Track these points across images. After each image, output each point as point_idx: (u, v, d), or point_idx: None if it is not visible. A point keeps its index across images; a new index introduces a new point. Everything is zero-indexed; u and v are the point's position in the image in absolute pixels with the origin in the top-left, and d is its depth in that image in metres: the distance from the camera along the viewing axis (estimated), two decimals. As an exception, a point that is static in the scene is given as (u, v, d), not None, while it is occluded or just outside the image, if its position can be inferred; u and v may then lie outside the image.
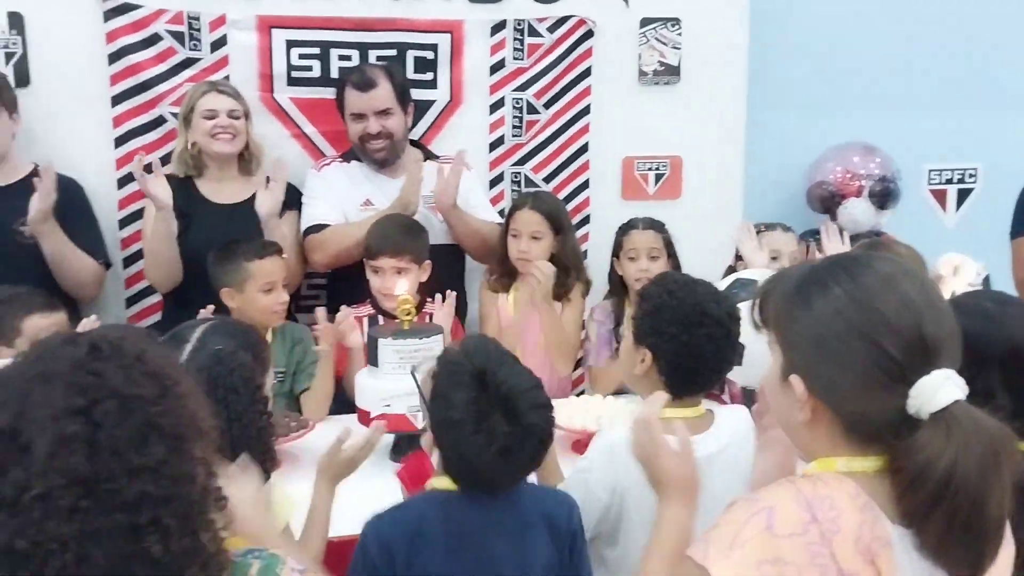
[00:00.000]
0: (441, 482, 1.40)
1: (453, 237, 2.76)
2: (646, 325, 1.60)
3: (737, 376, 1.76)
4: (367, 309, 2.56)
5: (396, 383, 1.99)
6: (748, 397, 1.91)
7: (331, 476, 1.62)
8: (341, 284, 2.75)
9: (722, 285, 1.90)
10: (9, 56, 2.66)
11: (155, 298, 2.78)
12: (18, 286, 2.28)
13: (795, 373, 1.05)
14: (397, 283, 2.25)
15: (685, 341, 1.55)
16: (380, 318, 2.53)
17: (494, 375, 1.34)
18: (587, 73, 3.04)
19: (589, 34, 3.00)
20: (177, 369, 1.01)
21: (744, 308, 1.46)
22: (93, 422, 0.90)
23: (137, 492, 0.91)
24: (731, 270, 2.63)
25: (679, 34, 3.05)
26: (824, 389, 1.04)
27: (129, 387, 0.94)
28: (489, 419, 1.31)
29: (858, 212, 3.28)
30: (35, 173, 2.48)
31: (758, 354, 1.39)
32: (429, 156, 2.82)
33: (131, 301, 2.82)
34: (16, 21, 2.66)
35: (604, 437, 1.61)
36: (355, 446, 1.63)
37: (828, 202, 3.34)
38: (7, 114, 2.51)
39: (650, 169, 3.11)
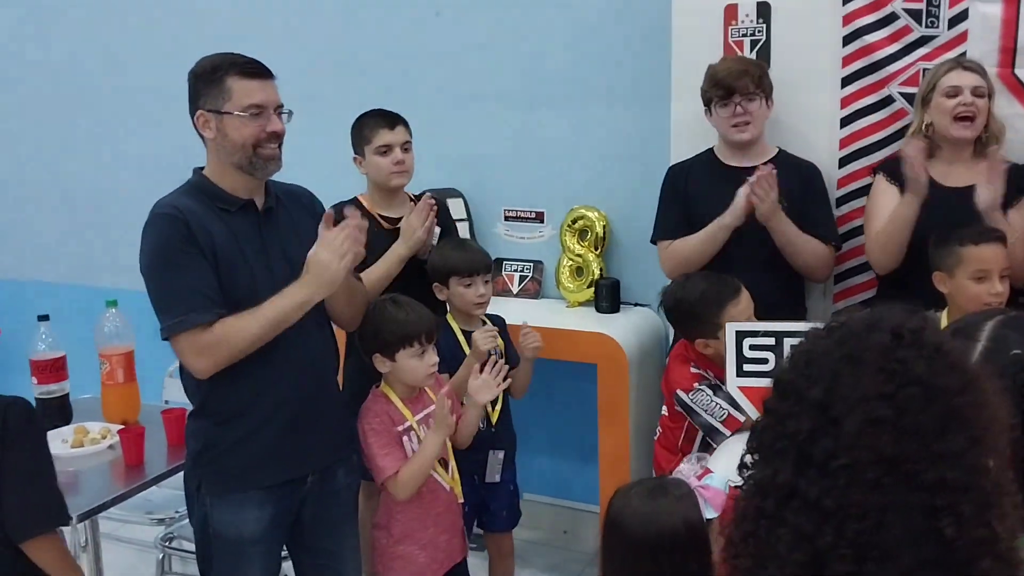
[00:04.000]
0: None
1: None
2: None
3: None
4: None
5: None
6: None
7: None
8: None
9: None
10: (754, 44, 2.93)
11: (864, 277, 2.84)
12: (706, 275, 2.54)
13: None
14: None
15: None
16: None
17: None
18: None
19: None
20: (973, 363, 1.05)
21: None
22: (898, 407, 0.98)
23: (936, 477, 0.96)
24: None
25: None
26: None
27: (932, 377, 0.99)
28: None
29: None
30: (781, 156, 2.71)
31: None
32: None
33: (839, 278, 2.91)
34: (764, 11, 2.90)
35: None
36: None
37: None
38: (766, 101, 2.76)
39: None
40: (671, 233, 2.82)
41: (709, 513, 1.58)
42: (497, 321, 2.80)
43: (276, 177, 2.12)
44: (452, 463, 2.40)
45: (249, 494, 2.04)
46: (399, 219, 2.69)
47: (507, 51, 3.47)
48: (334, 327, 2.26)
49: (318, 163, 2.96)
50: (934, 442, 0.97)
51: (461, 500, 2.42)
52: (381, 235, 2.62)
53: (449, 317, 2.74)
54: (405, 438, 2.28)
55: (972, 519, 0.96)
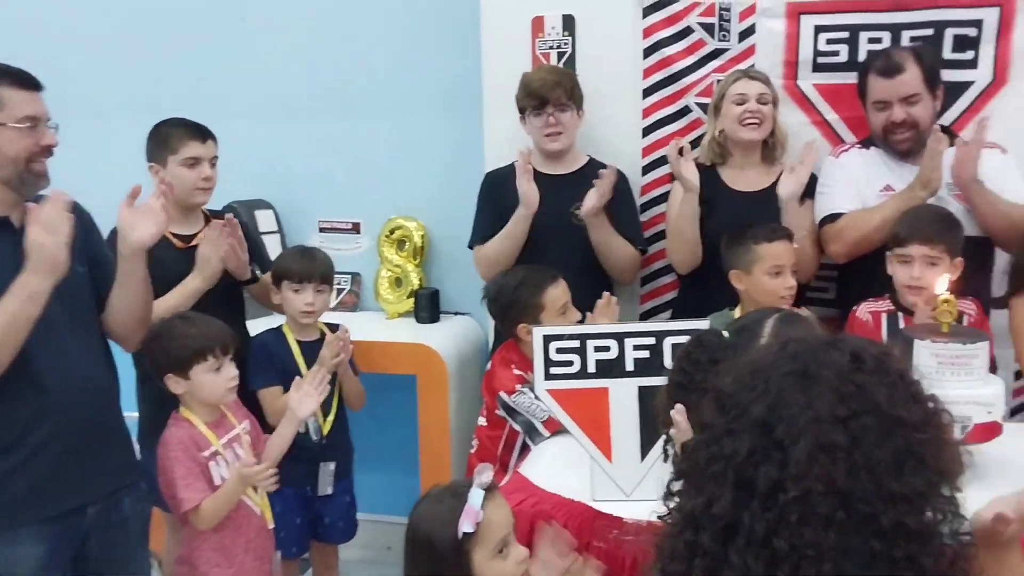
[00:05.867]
0: None
1: (977, 222, 2.51)
2: None
3: None
4: (886, 304, 2.45)
5: (933, 389, 1.88)
6: None
7: None
8: (854, 276, 2.66)
9: None
10: (561, 55, 2.99)
11: (668, 279, 2.96)
12: (525, 266, 2.61)
13: None
14: (937, 281, 2.11)
15: None
16: (900, 315, 2.41)
17: None
18: None
19: None
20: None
21: None
22: (852, 435, 0.89)
23: (893, 521, 0.87)
24: None
25: None
26: None
27: (892, 407, 0.90)
28: None
29: None
30: (592, 164, 2.78)
31: None
32: (955, 140, 2.59)
33: (646, 280, 3.02)
34: (569, 23, 2.98)
35: None
36: None
37: None
38: (577, 111, 2.82)
39: None
40: (485, 239, 2.84)
41: (465, 527, 1.51)
42: (339, 331, 2.75)
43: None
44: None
45: (22, 530, 1.87)
46: (193, 236, 2.57)
47: (318, 60, 3.39)
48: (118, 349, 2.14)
49: (111, 175, 2.76)
50: (890, 481, 0.88)
51: (272, 526, 2.32)
52: (173, 254, 2.49)
53: (285, 327, 2.68)
54: (212, 463, 2.17)
55: (933, 572, 0.88)
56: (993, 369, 2.29)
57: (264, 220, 3.27)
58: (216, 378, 2.17)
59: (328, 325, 2.74)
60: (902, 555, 0.87)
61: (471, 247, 2.91)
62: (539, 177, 2.81)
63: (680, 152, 2.67)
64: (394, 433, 3.24)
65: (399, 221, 3.34)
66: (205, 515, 2.11)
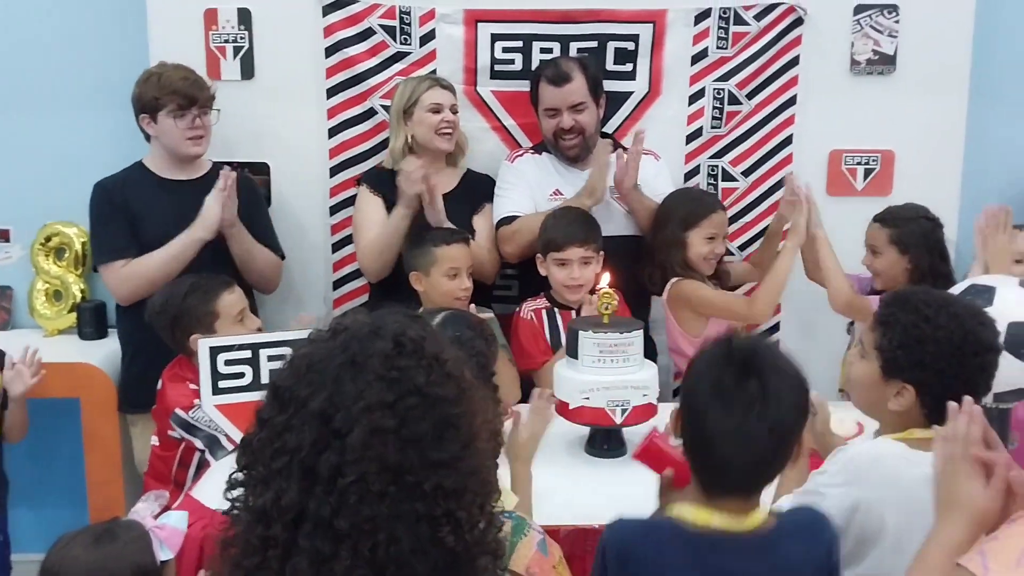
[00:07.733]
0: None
1: (636, 223, 2.73)
2: (903, 358, 1.46)
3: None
4: (543, 302, 2.59)
5: (596, 376, 2.00)
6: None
7: (524, 458, 1.70)
8: (532, 275, 2.77)
9: (954, 292, 1.77)
10: (237, 50, 2.85)
11: (360, 283, 2.92)
12: (192, 274, 2.41)
13: None
14: (595, 276, 2.24)
15: (956, 374, 1.43)
16: (557, 311, 2.55)
17: None
18: (794, 63, 2.91)
19: (798, 22, 2.87)
20: (468, 371, 1.07)
21: None
22: (400, 416, 0.98)
23: (434, 484, 0.97)
24: None
25: (896, 21, 2.87)
26: None
27: (430, 386, 1.00)
28: None
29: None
30: (216, 168, 2.63)
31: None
32: (619, 148, 2.79)
33: (337, 284, 2.96)
34: (244, 17, 2.84)
35: (847, 451, 1.51)
36: (529, 423, 1.75)
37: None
38: (213, 112, 2.65)
39: (859, 164, 2.94)
40: (122, 252, 2.59)
41: (165, 554, 1.49)
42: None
43: None
44: None
45: None
46: None
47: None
48: None
49: None
50: (432, 450, 0.98)
51: None
52: None
53: None
54: None
55: (467, 523, 0.99)
56: (654, 355, 2.50)
57: None
58: None
59: None
60: (441, 512, 0.97)
61: (96, 268, 2.67)
62: (167, 184, 2.66)
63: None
64: (56, 463, 2.91)
65: (56, 227, 3.01)
66: None
